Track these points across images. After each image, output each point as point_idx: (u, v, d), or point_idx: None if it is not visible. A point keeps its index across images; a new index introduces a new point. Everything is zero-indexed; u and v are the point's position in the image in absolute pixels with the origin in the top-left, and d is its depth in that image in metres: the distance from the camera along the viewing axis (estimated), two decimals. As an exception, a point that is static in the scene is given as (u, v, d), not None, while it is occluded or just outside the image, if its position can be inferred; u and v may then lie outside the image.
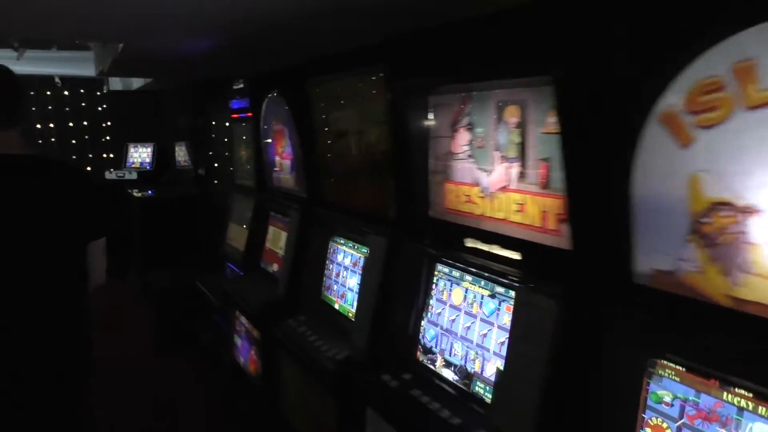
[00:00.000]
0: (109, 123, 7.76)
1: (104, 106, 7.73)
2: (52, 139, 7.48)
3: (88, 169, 7.64)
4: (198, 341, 4.16)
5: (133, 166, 7.58)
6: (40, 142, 7.41)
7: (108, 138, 7.80)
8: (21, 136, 1.77)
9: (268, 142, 3.27)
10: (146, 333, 4.77)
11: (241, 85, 3.50)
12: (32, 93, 7.31)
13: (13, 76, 1.75)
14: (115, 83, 7.57)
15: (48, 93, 7.42)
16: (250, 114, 3.42)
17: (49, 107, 7.45)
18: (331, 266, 2.76)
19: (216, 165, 5.17)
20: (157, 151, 7.55)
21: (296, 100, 2.85)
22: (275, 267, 3.18)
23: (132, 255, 5.97)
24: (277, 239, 3.21)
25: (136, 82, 7.20)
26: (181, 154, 6.71)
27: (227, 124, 4.80)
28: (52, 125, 7.49)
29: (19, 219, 1.66)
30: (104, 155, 7.78)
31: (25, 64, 7.09)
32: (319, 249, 2.80)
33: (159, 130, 7.78)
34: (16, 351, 1.67)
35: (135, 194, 6.26)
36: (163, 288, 4.43)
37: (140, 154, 7.64)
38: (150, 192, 6.47)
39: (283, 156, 3.14)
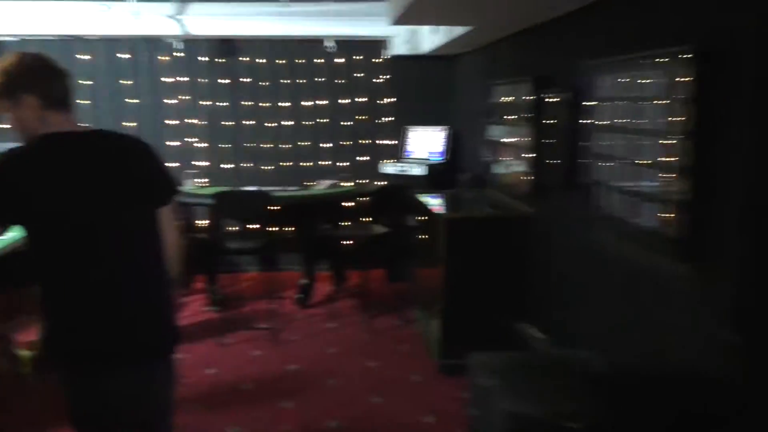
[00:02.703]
0: (391, 99, 5.94)
1: (386, 76, 5.92)
2: (325, 120, 5.91)
3: (366, 157, 5.96)
4: None
5: (412, 156, 5.70)
6: (313, 123, 5.90)
7: (388, 119, 6.00)
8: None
9: None
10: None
11: None
12: (298, 61, 5.79)
13: (60, 65, 1.83)
14: (399, 46, 5.73)
15: (317, 61, 5.84)
16: None
17: (320, 79, 5.86)
18: None
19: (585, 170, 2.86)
20: (452, 136, 5.53)
21: None
22: None
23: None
24: None
25: (428, 42, 5.25)
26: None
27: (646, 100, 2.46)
28: (325, 102, 5.92)
29: (97, 181, 1.77)
30: (378, 141, 6.00)
31: (291, 21, 5.57)
32: None
33: (452, 108, 5.78)
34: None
35: (424, 201, 4.26)
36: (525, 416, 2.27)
37: (425, 141, 5.71)
38: (436, 198, 4.39)
39: None
